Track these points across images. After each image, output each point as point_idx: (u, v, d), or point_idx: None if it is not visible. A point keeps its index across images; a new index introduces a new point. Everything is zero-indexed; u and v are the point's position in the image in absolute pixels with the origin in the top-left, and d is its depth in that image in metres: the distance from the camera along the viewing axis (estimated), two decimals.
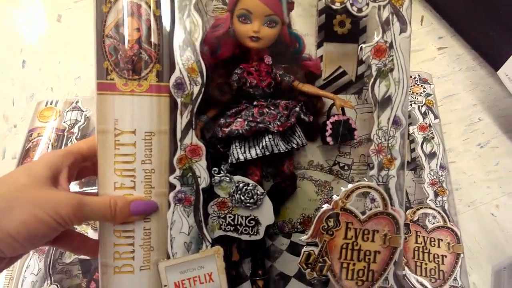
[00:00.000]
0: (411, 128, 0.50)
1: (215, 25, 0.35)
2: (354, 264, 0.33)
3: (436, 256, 0.40)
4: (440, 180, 0.45)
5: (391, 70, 0.34)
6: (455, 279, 0.39)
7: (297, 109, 0.37)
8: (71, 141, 0.50)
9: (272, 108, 0.36)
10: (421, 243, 0.41)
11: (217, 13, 0.38)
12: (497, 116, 0.61)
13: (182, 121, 0.31)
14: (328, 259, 0.33)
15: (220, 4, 0.38)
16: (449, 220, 0.42)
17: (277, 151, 0.36)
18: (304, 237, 0.33)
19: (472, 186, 0.54)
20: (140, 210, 0.30)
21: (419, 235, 0.41)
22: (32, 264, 0.41)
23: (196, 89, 0.31)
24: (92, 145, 0.30)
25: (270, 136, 0.36)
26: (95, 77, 0.30)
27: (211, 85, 0.34)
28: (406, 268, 0.39)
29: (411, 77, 0.54)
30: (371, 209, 0.34)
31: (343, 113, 0.38)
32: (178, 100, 0.30)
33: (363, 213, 0.34)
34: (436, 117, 0.50)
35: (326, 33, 0.38)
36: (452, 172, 0.55)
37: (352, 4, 0.34)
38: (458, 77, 0.66)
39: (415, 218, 0.43)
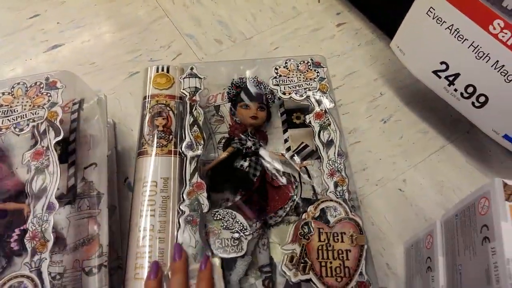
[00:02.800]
0: (307, 117, 0.47)
1: None
2: None
3: (340, 252, 0.38)
4: (339, 169, 0.43)
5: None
6: (360, 273, 0.37)
7: None
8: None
9: None
10: (324, 241, 0.38)
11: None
12: (398, 88, 0.61)
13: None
14: None
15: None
16: (350, 211, 0.40)
17: None
18: None
19: (378, 164, 0.53)
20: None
21: (322, 232, 0.39)
22: (187, 236, 0.40)
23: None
24: None
25: None
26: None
27: None
28: (311, 272, 0.37)
29: (304, 61, 0.51)
30: None
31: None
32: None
33: None
34: (331, 101, 0.48)
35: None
36: (358, 152, 0.54)
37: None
38: (358, 52, 0.65)
39: (317, 215, 0.40)
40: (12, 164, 0.44)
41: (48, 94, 0.44)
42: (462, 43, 0.45)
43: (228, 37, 0.65)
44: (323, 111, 0.47)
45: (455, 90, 0.48)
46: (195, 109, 0.46)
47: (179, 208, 0.40)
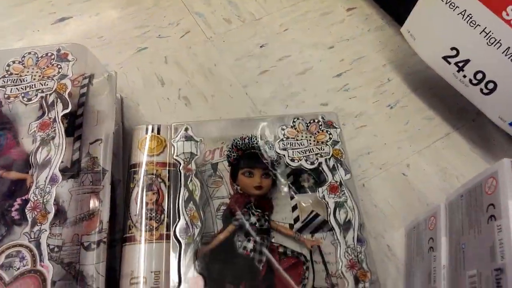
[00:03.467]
0: (320, 190, 0.41)
1: None
2: None
3: None
4: (360, 260, 0.37)
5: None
6: None
7: None
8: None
9: None
10: None
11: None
12: (406, 75, 0.61)
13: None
14: None
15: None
16: None
17: None
18: None
19: (383, 148, 0.53)
20: None
21: None
22: None
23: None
24: None
25: None
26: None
27: None
28: None
29: (314, 120, 0.45)
30: (19, 268, 0.33)
31: None
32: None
33: (9, 275, 0.33)
34: (346, 171, 0.42)
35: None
36: (363, 136, 0.54)
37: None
38: (368, 38, 0.64)
39: None
40: (18, 133, 0.44)
41: (59, 66, 0.44)
42: (474, 28, 0.45)
43: (237, 17, 0.65)
44: (338, 184, 0.41)
45: (464, 76, 0.48)
46: (191, 180, 0.40)
47: None
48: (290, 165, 0.43)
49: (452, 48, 0.48)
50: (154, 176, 0.41)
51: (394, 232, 0.47)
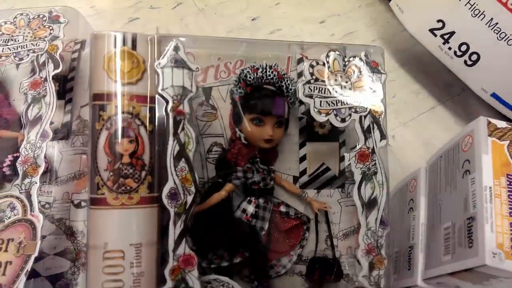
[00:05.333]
0: (346, 156, 0.32)
1: None
2: None
3: None
4: (379, 245, 0.31)
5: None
6: None
7: None
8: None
9: None
10: None
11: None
12: (394, 50, 0.62)
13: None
14: None
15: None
16: None
17: None
18: None
19: None
20: None
21: None
22: None
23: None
24: None
25: None
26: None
27: None
28: None
29: (354, 57, 0.34)
30: (10, 217, 0.33)
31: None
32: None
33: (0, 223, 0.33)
34: (383, 136, 0.33)
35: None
36: None
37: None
38: (358, 13, 0.65)
39: None
40: (10, 95, 0.44)
41: (50, 27, 0.44)
42: (459, 0, 0.46)
43: None
44: (370, 151, 0.32)
45: (449, 48, 0.49)
46: (182, 128, 0.29)
47: None
48: (315, 119, 0.32)
49: (438, 21, 0.49)
50: (130, 116, 0.28)
51: None
